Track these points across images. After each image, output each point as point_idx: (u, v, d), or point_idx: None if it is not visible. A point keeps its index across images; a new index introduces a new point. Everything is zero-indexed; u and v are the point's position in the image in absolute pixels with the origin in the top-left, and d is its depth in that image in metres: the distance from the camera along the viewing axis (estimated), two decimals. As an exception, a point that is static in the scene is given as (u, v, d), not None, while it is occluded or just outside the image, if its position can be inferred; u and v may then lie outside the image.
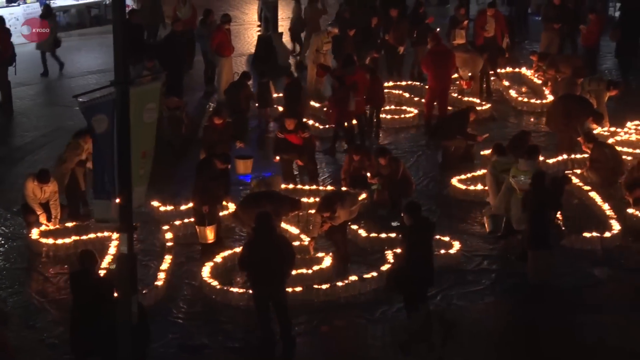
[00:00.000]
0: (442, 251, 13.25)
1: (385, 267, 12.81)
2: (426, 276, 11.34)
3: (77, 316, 10.34)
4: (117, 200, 8.70)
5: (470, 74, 19.23)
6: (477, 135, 16.53)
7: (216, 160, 13.68)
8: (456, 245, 13.40)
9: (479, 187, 15.04)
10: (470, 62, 19.05)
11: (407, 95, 19.67)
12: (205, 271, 12.78)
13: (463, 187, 15.32)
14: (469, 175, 15.62)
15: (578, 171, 15.67)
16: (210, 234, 13.70)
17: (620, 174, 15.14)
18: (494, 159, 13.84)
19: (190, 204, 14.07)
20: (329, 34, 19.75)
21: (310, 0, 22.98)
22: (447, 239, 13.55)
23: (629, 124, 17.39)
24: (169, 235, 13.80)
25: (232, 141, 15.57)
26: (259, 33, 24.34)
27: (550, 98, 18.72)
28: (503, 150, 14.07)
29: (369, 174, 14.70)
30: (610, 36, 21.46)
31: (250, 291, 11.59)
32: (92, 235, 13.66)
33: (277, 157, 15.51)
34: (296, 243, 13.25)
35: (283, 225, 13.60)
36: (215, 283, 12.51)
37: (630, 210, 14.18)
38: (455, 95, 19.29)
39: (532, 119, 18.74)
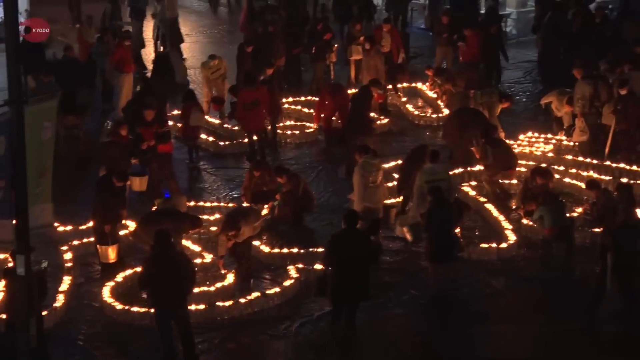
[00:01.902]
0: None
1: (288, 283, 12.85)
2: (350, 287, 11.48)
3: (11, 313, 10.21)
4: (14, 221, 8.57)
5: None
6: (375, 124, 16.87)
7: (114, 177, 13.53)
8: (357, 258, 13.51)
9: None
10: (382, 74, 19.35)
11: (306, 110, 19.78)
12: (106, 291, 12.61)
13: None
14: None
15: (474, 183, 16.02)
16: (112, 254, 13.52)
17: (512, 167, 15.50)
18: (362, 160, 13.99)
19: (90, 224, 13.87)
20: (213, 65, 19.60)
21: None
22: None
23: (521, 137, 17.81)
24: (67, 256, 13.56)
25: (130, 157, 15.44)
26: (160, 50, 24.17)
27: (446, 112, 19.07)
28: (367, 150, 14.28)
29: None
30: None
31: (152, 310, 11.48)
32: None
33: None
34: (197, 260, 13.20)
35: (184, 242, 13.52)
36: (116, 303, 12.35)
37: (525, 221, 14.54)
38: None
39: (428, 133, 19.04)
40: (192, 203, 15.27)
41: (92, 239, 13.82)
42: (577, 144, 17.33)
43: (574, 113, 17.36)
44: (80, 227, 14.36)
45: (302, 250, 13.78)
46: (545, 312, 12.57)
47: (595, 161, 16.56)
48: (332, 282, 11.53)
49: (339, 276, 11.45)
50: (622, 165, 16.34)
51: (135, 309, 12.24)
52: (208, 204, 15.44)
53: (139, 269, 12.28)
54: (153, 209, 14.34)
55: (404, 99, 20.20)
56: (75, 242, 14.03)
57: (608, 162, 16.50)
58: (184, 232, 13.16)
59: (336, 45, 21.23)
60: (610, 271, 11.85)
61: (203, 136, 18.53)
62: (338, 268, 11.47)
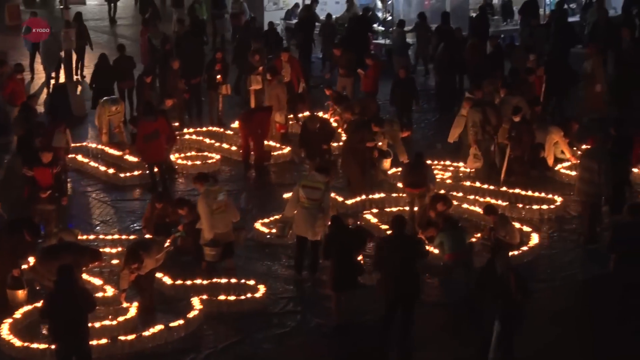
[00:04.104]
0: (248, 295, 13.36)
1: (191, 314, 12.76)
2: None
3: None
4: None
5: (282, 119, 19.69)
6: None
7: (26, 232, 13.19)
8: (261, 289, 13.53)
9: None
10: (284, 104, 19.52)
11: (207, 141, 19.77)
12: (5, 328, 12.32)
13: (267, 230, 15.51)
14: (272, 218, 15.84)
15: (375, 210, 16.20)
16: (22, 296, 13.15)
17: (410, 186, 15.70)
18: (204, 189, 14.09)
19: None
20: (114, 110, 19.46)
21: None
22: (252, 282, 13.67)
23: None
24: (-37, 294, 13.22)
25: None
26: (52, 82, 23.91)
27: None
28: (208, 178, 14.41)
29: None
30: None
31: (53, 346, 11.27)
32: None
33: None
34: (99, 294, 13.02)
35: (85, 277, 13.32)
36: (15, 340, 12.08)
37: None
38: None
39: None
40: (92, 236, 15.11)
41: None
42: (473, 170, 17.71)
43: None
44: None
45: (205, 282, 13.73)
46: (446, 337, 12.77)
47: (491, 187, 16.96)
48: (383, 287, 12.07)
49: (389, 280, 11.96)
50: (517, 190, 16.77)
51: (35, 345, 11.99)
52: (109, 237, 15.27)
53: (38, 305, 12.06)
54: (50, 244, 14.04)
55: (305, 128, 20.33)
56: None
57: (504, 188, 16.92)
58: (84, 265, 12.96)
59: (219, 77, 21.12)
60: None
61: (102, 168, 18.37)
62: (387, 272, 12.03)
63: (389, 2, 26.19)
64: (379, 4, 26.92)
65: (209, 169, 18.56)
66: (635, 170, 17.03)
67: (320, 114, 20.96)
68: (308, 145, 17.79)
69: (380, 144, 17.67)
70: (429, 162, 18.10)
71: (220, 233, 13.89)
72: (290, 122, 20.45)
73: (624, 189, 16.03)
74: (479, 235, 15.03)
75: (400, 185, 16.35)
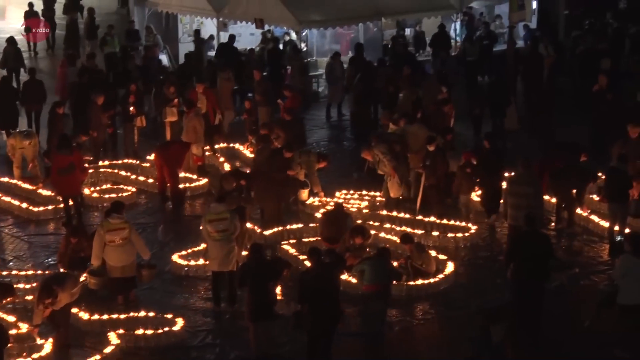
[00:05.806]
0: (166, 328, 13.25)
1: (108, 349, 12.59)
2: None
3: None
4: None
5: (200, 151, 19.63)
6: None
7: None
8: (179, 322, 13.43)
9: (200, 261, 15.23)
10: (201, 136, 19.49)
11: (123, 173, 19.59)
12: None
13: (184, 262, 15.43)
14: (189, 250, 15.77)
15: (293, 240, 16.24)
16: None
17: (323, 239, 15.78)
18: (103, 220, 14.28)
19: None
20: (26, 144, 19.25)
21: None
22: (170, 316, 13.56)
23: (337, 194, 18.22)
24: None
25: None
26: None
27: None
28: (117, 210, 14.37)
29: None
30: None
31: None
32: None
33: None
34: (12, 331, 12.77)
35: (-2, 313, 13.07)
36: None
37: (344, 277, 14.78)
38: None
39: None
40: (5, 272, 14.84)
41: None
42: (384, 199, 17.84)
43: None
44: None
45: (122, 316, 13.57)
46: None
47: (407, 216, 17.16)
48: (308, 317, 12.11)
49: (313, 310, 12.01)
50: (432, 219, 17.00)
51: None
52: (23, 273, 15.00)
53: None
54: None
55: (221, 159, 20.34)
56: None
57: (420, 217, 17.14)
58: (-4, 301, 12.72)
59: (132, 109, 20.96)
60: None
61: (15, 202, 18.07)
62: (311, 303, 12.04)
63: (304, 33, 26.37)
64: (294, 35, 27.09)
65: (124, 201, 18.37)
66: (546, 197, 17.40)
67: (237, 145, 21.07)
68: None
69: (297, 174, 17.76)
70: (344, 191, 18.34)
71: (113, 266, 13.90)
72: (207, 154, 20.42)
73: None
74: (396, 264, 15.14)
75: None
